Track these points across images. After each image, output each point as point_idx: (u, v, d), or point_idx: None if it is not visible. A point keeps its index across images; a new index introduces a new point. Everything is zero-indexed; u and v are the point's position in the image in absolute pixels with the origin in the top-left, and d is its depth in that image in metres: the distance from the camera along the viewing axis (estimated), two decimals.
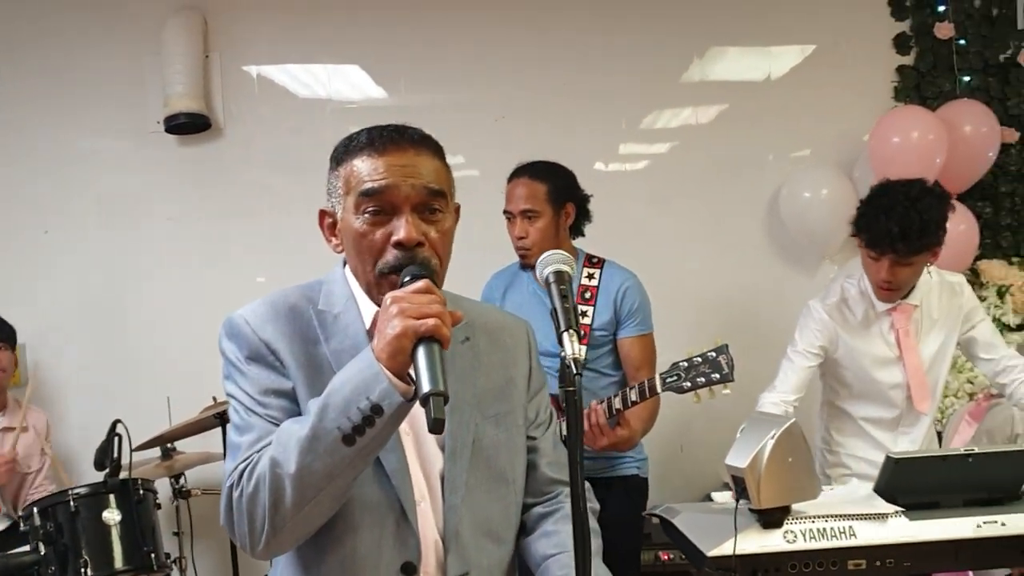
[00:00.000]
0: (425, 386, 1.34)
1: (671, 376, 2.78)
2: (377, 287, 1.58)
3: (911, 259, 2.90)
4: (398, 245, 1.54)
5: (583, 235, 3.29)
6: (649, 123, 4.52)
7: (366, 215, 1.56)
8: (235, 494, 1.48)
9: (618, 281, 3.16)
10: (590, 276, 3.18)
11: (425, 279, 1.47)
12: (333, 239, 1.67)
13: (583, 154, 4.32)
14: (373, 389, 1.38)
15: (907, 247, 2.86)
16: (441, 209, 1.59)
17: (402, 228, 1.54)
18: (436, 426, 1.32)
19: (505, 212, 3.20)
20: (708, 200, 4.47)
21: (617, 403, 2.87)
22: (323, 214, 1.69)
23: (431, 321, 1.38)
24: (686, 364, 2.77)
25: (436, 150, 1.65)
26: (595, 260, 3.23)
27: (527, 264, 3.17)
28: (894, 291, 2.99)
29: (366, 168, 1.57)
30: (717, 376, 2.73)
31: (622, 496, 3.15)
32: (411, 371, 1.40)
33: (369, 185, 1.56)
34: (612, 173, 4.51)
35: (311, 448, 1.41)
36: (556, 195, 3.13)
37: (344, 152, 1.62)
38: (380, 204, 1.55)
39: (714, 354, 2.75)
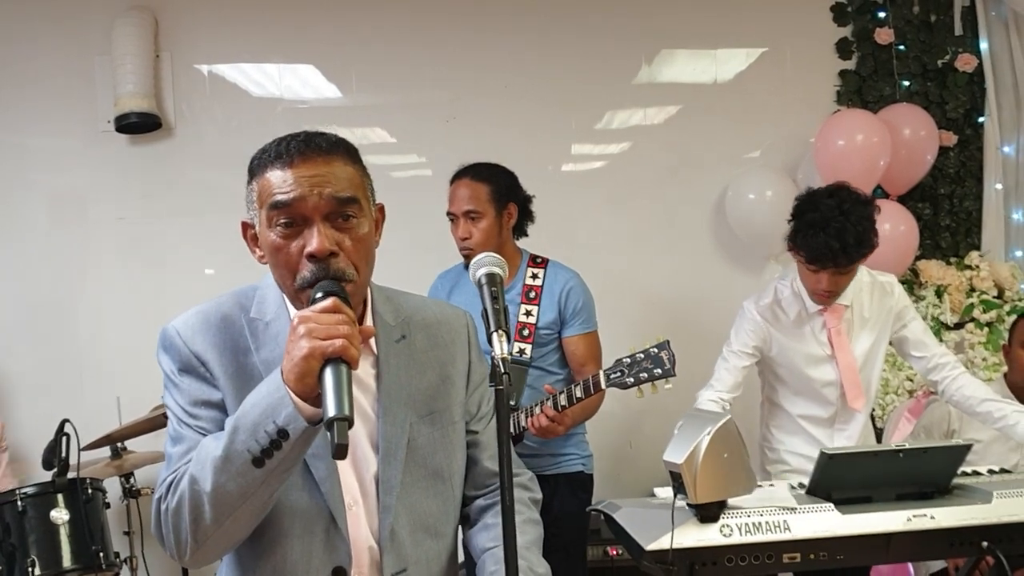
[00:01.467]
0: (330, 411, 1.32)
1: (614, 372, 2.83)
2: (298, 301, 1.57)
3: (850, 268, 2.99)
4: (311, 257, 1.53)
5: (526, 235, 3.33)
6: (600, 125, 4.56)
7: (278, 228, 1.55)
8: (162, 507, 1.51)
9: (562, 281, 3.20)
10: (534, 276, 3.22)
11: (334, 297, 1.46)
12: (256, 250, 1.66)
13: (534, 155, 4.38)
14: (279, 413, 1.39)
15: (847, 259, 2.94)
16: (355, 215, 1.57)
17: (314, 239, 1.52)
18: (339, 452, 1.31)
19: (448, 214, 3.23)
20: (658, 201, 4.53)
21: (562, 400, 2.91)
22: (245, 226, 1.68)
23: (338, 342, 1.38)
24: (629, 360, 2.82)
25: (348, 155, 1.62)
26: (539, 260, 3.27)
27: None
28: (832, 297, 3.07)
29: (276, 180, 1.55)
30: (659, 371, 2.78)
31: (568, 493, 3.20)
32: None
33: (279, 197, 1.54)
34: (564, 174, 4.55)
35: (224, 468, 1.42)
36: (498, 195, 3.17)
37: (257, 165, 1.61)
38: (291, 216, 1.54)
39: (656, 350, 2.80)
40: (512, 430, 2.96)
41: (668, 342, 2.81)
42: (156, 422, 3.67)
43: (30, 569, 3.24)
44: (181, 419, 1.59)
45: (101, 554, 3.37)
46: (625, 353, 2.86)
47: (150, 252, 4.34)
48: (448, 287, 3.35)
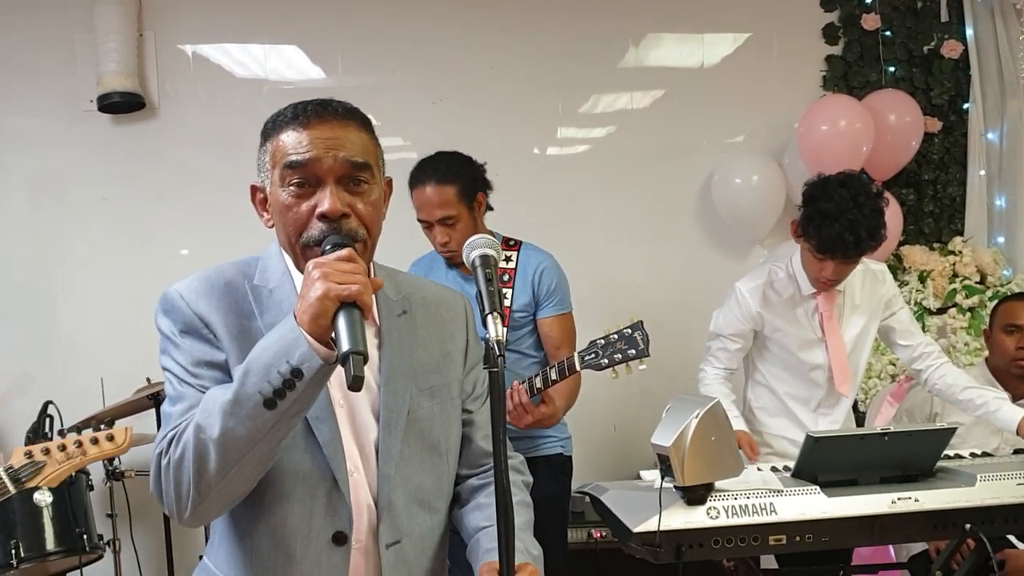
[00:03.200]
0: (344, 345, 1.36)
1: (589, 354, 2.82)
2: (303, 258, 1.58)
3: (857, 259, 3.02)
4: (322, 217, 1.55)
5: (491, 208, 3.23)
6: (586, 108, 4.55)
7: (291, 187, 1.57)
8: (163, 461, 1.50)
9: (535, 262, 3.16)
10: (508, 259, 3.17)
11: (348, 248, 1.48)
12: (264, 214, 1.68)
13: (520, 138, 4.38)
14: (293, 353, 1.40)
15: (858, 251, 2.96)
16: (367, 181, 1.60)
17: (326, 200, 1.55)
18: (355, 383, 1.35)
19: (420, 220, 3.11)
20: (644, 185, 4.52)
21: (538, 382, 2.90)
22: (254, 190, 1.70)
23: (353, 287, 1.40)
24: (603, 342, 2.81)
25: (363, 123, 1.66)
26: (512, 243, 3.23)
27: (454, 264, 3.16)
28: (834, 284, 3.09)
29: (291, 141, 1.58)
30: (633, 352, 2.76)
31: (547, 475, 3.16)
32: (333, 337, 1.41)
33: (293, 158, 1.57)
34: (549, 157, 4.54)
35: (234, 412, 1.42)
36: (466, 191, 3.05)
37: (272, 127, 1.63)
38: (304, 176, 1.57)
39: (630, 331, 2.79)
40: None
41: (642, 323, 2.80)
42: (140, 404, 3.66)
43: (13, 552, 3.23)
44: (182, 379, 1.58)
45: (84, 536, 3.37)
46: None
47: (133, 233, 4.30)
48: (423, 274, 3.31)
